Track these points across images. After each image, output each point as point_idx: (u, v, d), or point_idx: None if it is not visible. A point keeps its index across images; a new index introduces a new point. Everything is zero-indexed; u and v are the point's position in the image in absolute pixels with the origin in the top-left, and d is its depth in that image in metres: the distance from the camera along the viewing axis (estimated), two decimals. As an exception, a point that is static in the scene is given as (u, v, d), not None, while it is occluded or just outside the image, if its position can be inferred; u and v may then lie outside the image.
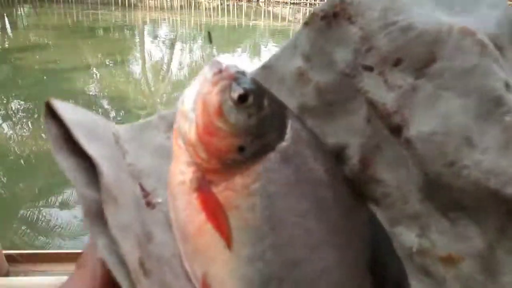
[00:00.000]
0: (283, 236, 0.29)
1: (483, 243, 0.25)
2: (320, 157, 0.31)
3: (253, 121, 0.29)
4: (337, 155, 0.32)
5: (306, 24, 0.34)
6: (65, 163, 0.30)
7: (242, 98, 0.30)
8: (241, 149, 0.29)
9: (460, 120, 0.27)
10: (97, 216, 0.28)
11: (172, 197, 0.30)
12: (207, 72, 0.32)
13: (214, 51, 10.04)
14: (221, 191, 0.28)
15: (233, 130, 0.29)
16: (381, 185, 0.30)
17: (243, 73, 0.32)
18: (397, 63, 0.29)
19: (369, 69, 0.30)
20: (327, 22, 0.32)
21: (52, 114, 0.32)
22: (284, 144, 0.30)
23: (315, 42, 0.33)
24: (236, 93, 0.30)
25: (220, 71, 0.31)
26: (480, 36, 0.28)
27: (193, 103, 0.31)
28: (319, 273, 0.29)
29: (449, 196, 0.27)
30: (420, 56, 0.29)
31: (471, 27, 0.29)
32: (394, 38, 0.29)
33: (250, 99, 0.30)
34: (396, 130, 0.29)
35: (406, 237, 0.29)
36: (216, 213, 0.28)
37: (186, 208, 0.29)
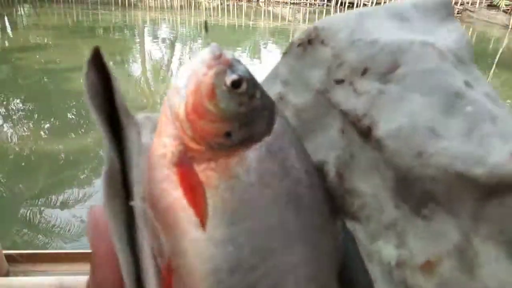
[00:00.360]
0: (259, 222, 0.29)
1: (459, 235, 0.25)
2: (301, 158, 0.31)
3: (244, 109, 0.30)
4: (319, 173, 0.33)
5: (284, 53, 0.37)
6: (97, 113, 0.31)
7: (236, 84, 0.30)
8: (228, 134, 0.30)
9: (425, 115, 0.28)
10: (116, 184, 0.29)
11: (150, 169, 0.30)
12: (205, 54, 0.32)
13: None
14: (202, 170, 0.28)
15: (222, 115, 0.29)
16: (357, 196, 0.31)
17: (239, 61, 0.32)
18: (364, 72, 0.31)
19: (340, 82, 0.32)
20: (303, 48, 0.35)
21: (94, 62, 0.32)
22: (270, 137, 0.30)
23: (292, 68, 0.35)
24: (230, 78, 0.30)
25: (219, 56, 0.31)
26: (439, 46, 0.31)
27: (187, 80, 0.31)
28: (289, 267, 0.29)
29: (421, 190, 0.27)
30: (385, 64, 0.31)
31: (431, 40, 0.31)
32: (361, 51, 0.31)
33: (243, 87, 0.30)
34: (366, 133, 0.30)
35: (385, 251, 0.29)
36: (194, 189, 0.28)
37: (162, 181, 0.29)
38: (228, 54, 0.32)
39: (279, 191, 0.29)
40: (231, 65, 0.31)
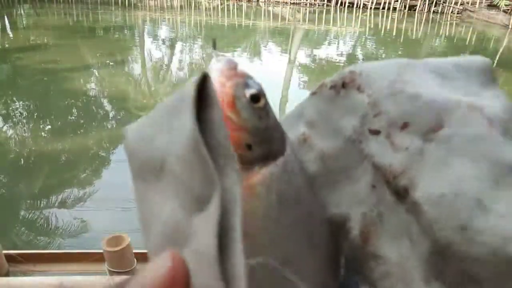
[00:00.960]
0: (276, 253, 0.27)
1: None
2: (310, 188, 0.30)
3: (263, 123, 0.29)
4: (339, 229, 0.30)
5: (313, 93, 0.34)
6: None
7: (255, 99, 0.30)
8: (248, 146, 0.28)
9: (472, 184, 0.25)
10: None
11: None
12: (221, 65, 0.31)
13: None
14: None
15: (244, 125, 0.29)
16: (381, 263, 0.28)
17: (252, 77, 0.32)
18: (404, 126, 0.29)
19: (376, 132, 0.30)
20: (336, 90, 0.32)
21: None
22: (283, 158, 0.29)
23: (321, 110, 0.33)
24: (249, 91, 0.30)
25: (235, 67, 0.31)
26: (488, 112, 0.28)
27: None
28: None
29: (461, 269, 0.24)
30: (428, 122, 0.28)
31: (478, 104, 0.29)
32: (402, 104, 0.29)
33: (262, 102, 0.30)
34: (402, 193, 0.27)
35: None
36: None
37: None
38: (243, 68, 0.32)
39: (295, 219, 0.28)
40: (248, 78, 0.31)
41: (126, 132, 0.29)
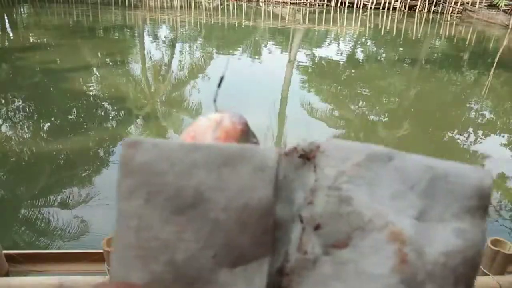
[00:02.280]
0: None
1: None
2: None
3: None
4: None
5: (286, 154, 0.36)
6: None
7: (256, 140, 0.47)
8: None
9: None
10: None
11: None
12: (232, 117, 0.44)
13: (214, 51, 10.04)
14: None
15: None
16: None
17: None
18: (317, 227, 0.31)
19: (301, 221, 0.32)
20: (302, 161, 0.35)
21: None
22: None
23: (287, 175, 0.35)
24: (253, 140, 0.46)
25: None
26: (411, 256, 0.29)
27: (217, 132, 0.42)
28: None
29: None
30: (337, 234, 0.30)
31: (409, 235, 0.29)
32: (330, 204, 0.31)
33: (256, 140, 0.46)
34: None
35: None
36: None
37: None
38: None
39: None
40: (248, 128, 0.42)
41: (136, 150, 0.32)
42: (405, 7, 17.14)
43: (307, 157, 0.35)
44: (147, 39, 10.78)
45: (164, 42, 10.41)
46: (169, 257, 0.30)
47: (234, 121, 0.43)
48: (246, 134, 0.43)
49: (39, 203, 3.40)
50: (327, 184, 0.32)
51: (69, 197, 3.46)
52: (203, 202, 0.30)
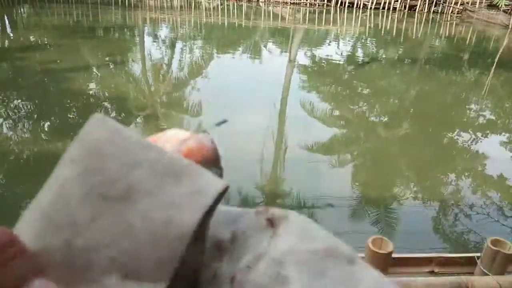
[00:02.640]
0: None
1: None
2: None
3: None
4: None
5: (256, 213, 0.36)
6: None
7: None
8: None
9: None
10: None
11: None
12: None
13: (215, 51, 10.05)
14: None
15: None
16: None
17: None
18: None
19: (231, 281, 0.32)
20: (266, 224, 0.35)
21: None
22: None
23: (246, 231, 0.35)
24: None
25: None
26: None
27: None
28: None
29: None
30: None
31: None
32: (264, 276, 0.30)
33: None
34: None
35: None
36: None
37: None
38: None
39: None
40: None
41: (97, 126, 0.33)
42: (405, 7, 17.15)
43: (272, 222, 0.34)
44: (147, 39, 10.78)
45: (164, 42, 10.41)
46: (69, 238, 0.28)
47: (203, 143, 0.43)
48: (208, 160, 0.42)
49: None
50: (274, 256, 0.31)
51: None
52: (129, 201, 0.29)
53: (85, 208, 0.29)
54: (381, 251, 1.39)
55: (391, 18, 16.03)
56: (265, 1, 17.64)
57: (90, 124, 0.34)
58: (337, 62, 9.34)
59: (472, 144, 5.12)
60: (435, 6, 17.07)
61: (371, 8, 17.01)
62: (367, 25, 14.69)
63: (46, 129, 4.88)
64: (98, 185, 0.30)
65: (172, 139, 0.43)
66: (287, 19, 15.39)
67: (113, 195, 0.30)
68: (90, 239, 0.29)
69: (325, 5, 17.45)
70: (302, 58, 9.52)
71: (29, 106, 5.54)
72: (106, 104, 5.75)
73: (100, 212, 0.29)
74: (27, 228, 0.30)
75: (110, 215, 0.29)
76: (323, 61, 9.35)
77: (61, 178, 0.31)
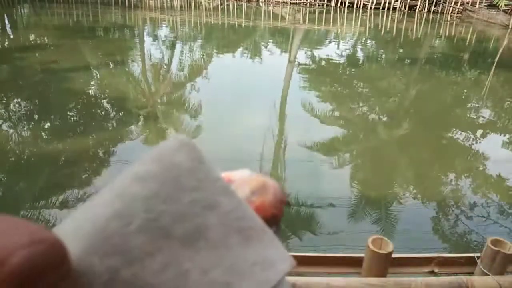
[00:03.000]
0: None
1: None
2: None
3: None
4: None
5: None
6: None
7: None
8: None
9: None
10: None
11: None
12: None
13: (215, 51, 10.04)
14: None
15: None
16: None
17: None
18: None
19: None
20: None
21: None
22: None
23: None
24: None
25: None
26: None
27: None
28: None
29: None
30: None
31: None
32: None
33: None
34: None
35: None
36: None
37: None
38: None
39: None
40: None
41: (181, 150, 0.30)
42: (405, 7, 17.14)
43: None
44: (147, 39, 10.78)
45: (164, 42, 10.41)
46: (117, 267, 0.25)
47: (276, 199, 0.40)
48: (275, 218, 0.40)
49: (39, 203, 3.40)
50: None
51: (69, 197, 3.46)
52: (192, 246, 0.27)
53: (145, 237, 0.26)
54: (381, 251, 1.39)
55: (391, 18, 16.02)
56: (265, 1, 17.64)
57: (174, 145, 0.30)
58: (337, 62, 9.34)
59: (472, 144, 5.12)
60: (435, 6, 17.06)
61: (371, 8, 17.01)
62: (367, 25, 14.69)
63: (45, 128, 4.88)
64: (166, 216, 0.27)
65: (246, 185, 0.40)
66: (287, 19, 15.38)
67: (178, 233, 0.27)
68: (138, 275, 0.25)
69: (325, 5, 17.44)
70: (302, 58, 9.52)
71: (29, 106, 5.54)
72: (106, 103, 5.75)
73: (159, 247, 0.26)
74: (75, 239, 0.26)
75: (168, 254, 0.26)
76: (323, 61, 9.35)
77: (127, 194, 0.28)
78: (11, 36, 9.94)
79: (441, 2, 17.04)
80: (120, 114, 5.44)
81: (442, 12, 17.04)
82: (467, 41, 12.62)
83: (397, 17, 16.19)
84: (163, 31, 12.18)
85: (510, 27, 14.16)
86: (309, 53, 10.12)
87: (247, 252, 0.28)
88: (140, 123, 5.16)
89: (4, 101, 5.62)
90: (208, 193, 0.29)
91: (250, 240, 0.28)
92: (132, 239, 0.26)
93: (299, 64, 8.87)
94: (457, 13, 17.03)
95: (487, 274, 1.48)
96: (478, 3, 16.57)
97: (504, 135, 5.64)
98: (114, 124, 5.14)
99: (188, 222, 0.27)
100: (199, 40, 11.25)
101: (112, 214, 0.27)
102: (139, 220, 0.26)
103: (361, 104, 6.48)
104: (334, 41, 12.09)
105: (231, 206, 0.29)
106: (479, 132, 5.49)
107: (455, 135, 5.38)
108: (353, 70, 8.75)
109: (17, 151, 4.29)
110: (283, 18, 15.57)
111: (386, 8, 16.96)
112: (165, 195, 0.28)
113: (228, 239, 0.28)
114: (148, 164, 0.29)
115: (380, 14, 16.46)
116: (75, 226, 0.27)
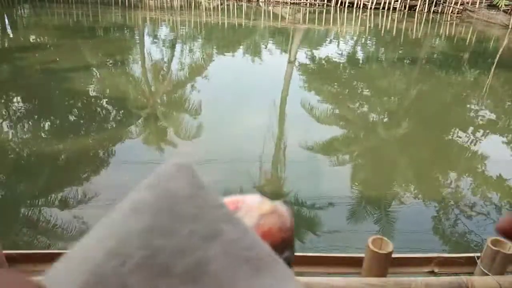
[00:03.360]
0: None
1: None
2: None
3: None
4: None
5: None
6: None
7: None
8: None
9: None
10: None
11: None
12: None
13: (215, 51, 10.04)
14: None
15: None
16: None
17: None
18: None
19: None
20: None
21: None
22: None
23: None
24: None
25: None
26: None
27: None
28: None
29: None
30: None
31: None
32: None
33: None
34: None
35: None
36: None
37: None
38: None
39: None
40: None
41: (179, 177, 0.26)
42: (405, 7, 17.14)
43: None
44: (147, 39, 10.78)
45: (164, 42, 10.41)
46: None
47: (284, 222, 0.37)
48: (286, 243, 0.37)
49: (39, 203, 3.40)
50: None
51: (69, 197, 3.46)
52: (194, 284, 0.24)
53: (141, 277, 0.23)
54: (381, 251, 1.39)
55: (391, 18, 16.02)
56: (265, 1, 17.64)
57: (171, 170, 0.27)
58: (337, 62, 9.34)
59: (472, 144, 5.12)
60: (435, 6, 17.06)
61: (371, 8, 17.01)
62: (367, 25, 14.69)
63: (45, 128, 4.88)
64: (163, 251, 0.24)
65: (253, 210, 0.37)
66: (287, 19, 15.38)
67: (178, 270, 0.24)
68: None
69: (325, 5, 17.44)
70: (302, 58, 9.52)
71: (28, 106, 5.54)
72: (106, 103, 5.75)
73: (157, 287, 0.23)
74: (68, 284, 0.24)
75: None
76: (323, 61, 9.35)
77: (122, 228, 0.25)
78: (11, 36, 9.94)
79: (441, 2, 17.04)
80: (120, 114, 5.44)
81: (442, 12, 17.04)
82: (467, 41, 12.62)
83: (397, 17, 16.19)
84: (163, 31, 12.18)
85: (510, 27, 14.15)
86: (309, 53, 10.12)
87: (256, 285, 0.25)
88: (140, 123, 5.16)
89: (4, 101, 5.62)
90: (209, 222, 0.26)
91: (259, 271, 0.26)
92: (128, 279, 0.24)
93: (299, 64, 8.87)
94: (457, 13, 17.03)
95: (487, 274, 1.48)
96: (478, 3, 16.57)
97: (504, 135, 5.64)
98: (114, 124, 5.14)
99: (188, 257, 0.25)
100: (199, 40, 11.24)
101: (107, 253, 0.24)
102: (135, 258, 0.24)
103: (361, 104, 6.48)
104: (334, 41, 12.08)
105: (236, 235, 0.26)
106: (479, 132, 5.49)
107: (455, 135, 5.38)
108: (353, 70, 8.75)
109: (17, 151, 4.29)
110: (283, 18, 15.57)
111: (386, 8, 16.96)
112: (161, 228, 0.25)
113: (234, 271, 0.25)
114: (142, 192, 0.27)
115: (380, 14, 16.46)
116: (69, 269, 0.25)
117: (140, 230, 0.25)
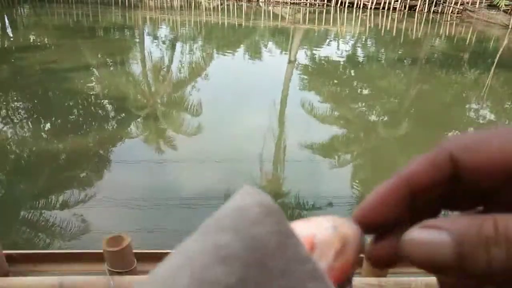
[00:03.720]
0: None
1: None
2: None
3: None
4: None
5: None
6: None
7: None
8: None
9: None
10: None
11: None
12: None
13: (215, 50, 10.04)
14: None
15: None
16: None
17: None
18: None
19: None
20: None
21: None
22: None
23: None
24: None
25: None
26: None
27: None
28: None
29: None
30: None
31: None
32: None
33: None
34: None
35: None
36: None
37: None
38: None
39: None
40: None
41: (255, 209, 0.22)
42: (405, 7, 17.14)
43: None
44: (147, 39, 10.78)
45: (164, 42, 10.41)
46: None
47: (357, 255, 0.33)
48: (350, 276, 0.34)
49: (39, 203, 3.40)
50: None
51: (69, 197, 3.46)
52: None
53: None
54: (381, 251, 1.40)
55: (391, 18, 16.02)
56: (265, 1, 17.64)
57: (257, 212, 0.23)
58: (337, 61, 9.34)
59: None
60: (435, 6, 17.06)
61: (371, 8, 17.01)
62: (367, 25, 14.69)
63: (45, 128, 4.88)
64: None
65: (330, 249, 0.32)
66: (287, 19, 15.38)
67: None
68: None
69: (325, 5, 17.44)
70: (302, 58, 9.52)
71: (28, 106, 5.54)
72: (106, 103, 5.75)
73: None
74: None
75: None
76: (323, 61, 9.35)
77: (206, 280, 0.22)
78: (11, 36, 9.94)
79: (441, 2, 17.04)
80: (120, 114, 5.44)
81: (442, 12, 17.04)
82: (467, 41, 12.62)
83: (397, 17, 16.19)
84: (163, 31, 12.18)
85: (510, 27, 14.16)
86: (309, 53, 10.12)
87: None
88: (140, 123, 5.16)
89: (4, 101, 5.62)
90: (296, 280, 0.23)
91: None
92: None
93: (299, 64, 8.87)
94: (457, 13, 17.03)
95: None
96: (478, 3, 16.57)
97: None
98: (114, 124, 5.14)
99: None
100: (199, 40, 11.24)
101: None
102: None
103: (361, 104, 6.48)
104: (334, 41, 12.08)
105: None
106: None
107: (455, 135, 5.38)
108: (353, 70, 8.75)
109: (17, 151, 4.29)
110: (283, 18, 15.57)
111: (386, 8, 16.96)
112: (252, 283, 0.22)
113: None
114: (226, 236, 0.23)
115: (380, 14, 16.46)
116: None
117: (229, 285, 0.22)
